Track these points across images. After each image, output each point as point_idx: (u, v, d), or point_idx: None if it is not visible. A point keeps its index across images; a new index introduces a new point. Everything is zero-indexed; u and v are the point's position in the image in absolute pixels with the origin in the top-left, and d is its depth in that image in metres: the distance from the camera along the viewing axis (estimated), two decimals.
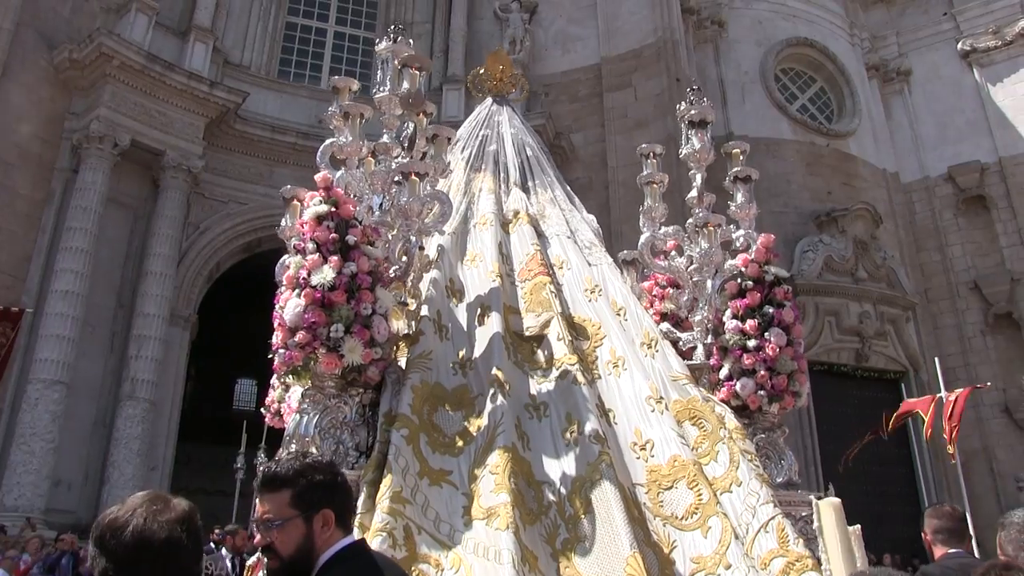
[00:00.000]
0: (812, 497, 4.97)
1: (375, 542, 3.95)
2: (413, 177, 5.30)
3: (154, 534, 2.04)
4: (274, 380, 7.31)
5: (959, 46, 26.19)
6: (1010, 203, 24.11)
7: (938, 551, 4.51)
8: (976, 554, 10.21)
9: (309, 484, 2.45)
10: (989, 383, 13.59)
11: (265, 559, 2.49)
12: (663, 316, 6.48)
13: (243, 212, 19.99)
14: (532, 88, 20.94)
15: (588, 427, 4.99)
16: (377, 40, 5.81)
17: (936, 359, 12.89)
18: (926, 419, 11.53)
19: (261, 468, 2.70)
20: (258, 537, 2.50)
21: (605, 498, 4.56)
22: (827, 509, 3.38)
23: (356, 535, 2.79)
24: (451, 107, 20.78)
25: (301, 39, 22.63)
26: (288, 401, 6.30)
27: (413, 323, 5.59)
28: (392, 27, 5.79)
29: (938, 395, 11.03)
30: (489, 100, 8.02)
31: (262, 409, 7.66)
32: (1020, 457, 21.85)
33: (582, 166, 21.16)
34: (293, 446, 4.85)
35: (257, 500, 2.53)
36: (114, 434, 16.62)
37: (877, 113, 25.89)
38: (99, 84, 18.06)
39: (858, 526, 4.48)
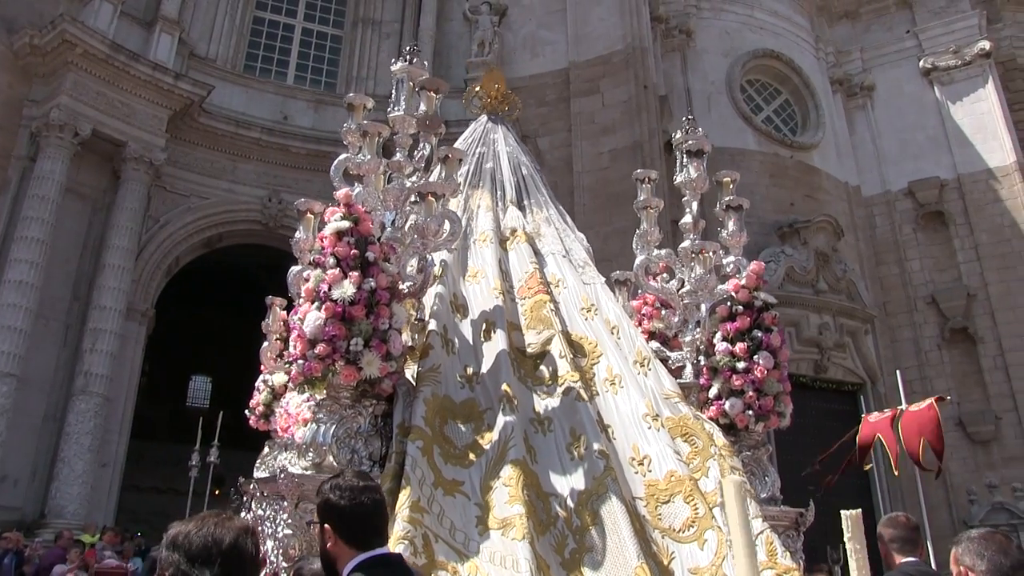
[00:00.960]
0: (723, 478, 5.12)
1: (397, 549, 4.12)
2: (430, 198, 5.48)
3: (223, 537, 2.34)
4: (259, 382, 7.42)
5: (921, 64, 26.62)
6: (968, 219, 24.54)
7: (895, 559, 4.75)
8: (932, 563, 10.28)
9: (324, 500, 2.92)
10: (949, 397, 13.66)
11: None
12: (651, 335, 6.74)
13: (204, 207, 19.79)
14: None
15: (593, 442, 5.25)
16: (393, 60, 5.97)
17: (898, 372, 12.99)
18: (886, 443, 11.40)
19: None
20: None
21: (612, 511, 4.83)
22: (730, 487, 3.40)
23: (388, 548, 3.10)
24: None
25: (268, 34, 22.43)
26: (286, 406, 6.33)
27: (416, 336, 5.77)
28: (408, 48, 5.98)
29: (899, 408, 11.00)
30: (484, 117, 8.19)
31: (246, 411, 7.60)
32: (973, 470, 22.20)
33: (547, 170, 20.98)
34: (311, 454, 5.02)
35: None
36: (65, 429, 16.26)
37: (840, 127, 26.22)
38: (61, 72, 17.74)
39: (858, 510, 4.57)
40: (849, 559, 3.48)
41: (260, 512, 5.19)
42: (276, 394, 7.04)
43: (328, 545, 2.85)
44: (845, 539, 3.70)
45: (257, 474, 6.08)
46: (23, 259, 16.27)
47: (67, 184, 17.37)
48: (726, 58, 24.63)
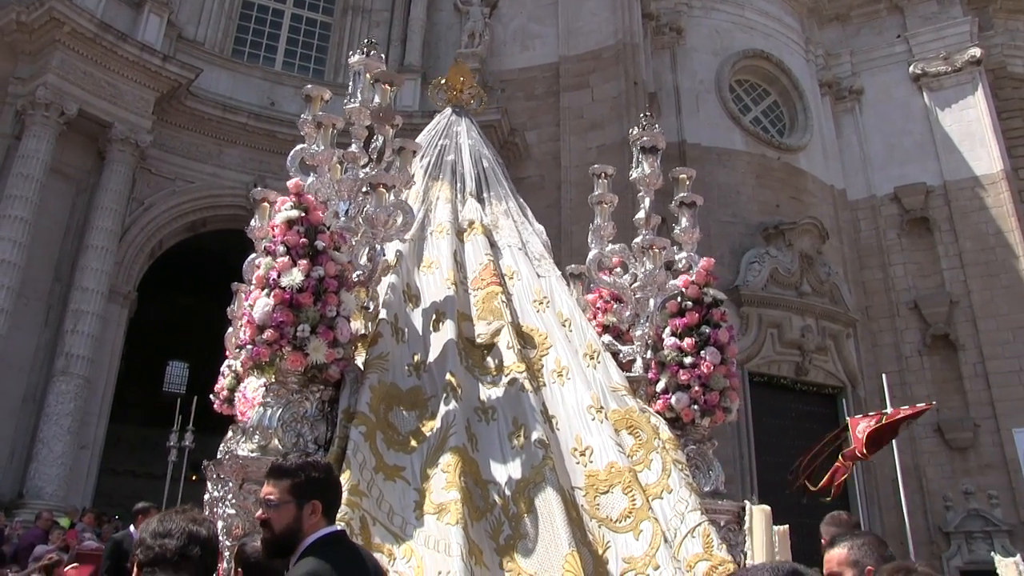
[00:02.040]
0: (746, 501, 5.39)
1: None
2: (381, 189, 5.59)
3: (182, 521, 2.72)
4: (224, 368, 7.48)
5: (910, 69, 26.49)
6: (952, 226, 24.41)
7: None
8: None
9: (307, 478, 3.07)
10: (935, 402, 13.61)
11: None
12: (605, 328, 6.81)
13: (189, 191, 19.75)
14: (488, 83, 20.84)
15: (533, 432, 5.33)
16: (351, 53, 6.08)
17: (884, 375, 12.95)
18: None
19: (274, 460, 3.40)
20: (259, 512, 3.12)
21: (547, 499, 4.90)
22: (759, 515, 3.48)
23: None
24: (406, 96, 20.65)
25: (257, 18, 22.37)
26: (243, 391, 6.47)
27: (370, 324, 5.86)
28: (365, 40, 6.06)
29: (884, 412, 11.08)
30: (448, 110, 8.25)
31: (211, 395, 7.66)
32: (949, 476, 22.18)
33: (535, 164, 21.09)
34: (257, 436, 5.11)
35: (265, 484, 3.15)
36: (44, 410, 16.23)
37: (828, 130, 26.10)
38: (47, 50, 17.66)
39: (786, 526, 4.67)
40: None
41: (216, 494, 5.29)
42: (239, 379, 7.05)
43: (312, 521, 3.02)
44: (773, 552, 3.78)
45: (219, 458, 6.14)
46: (5, 238, 16.24)
47: (52, 164, 17.34)
48: (716, 57, 24.51)
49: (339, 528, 3.18)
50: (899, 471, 12.57)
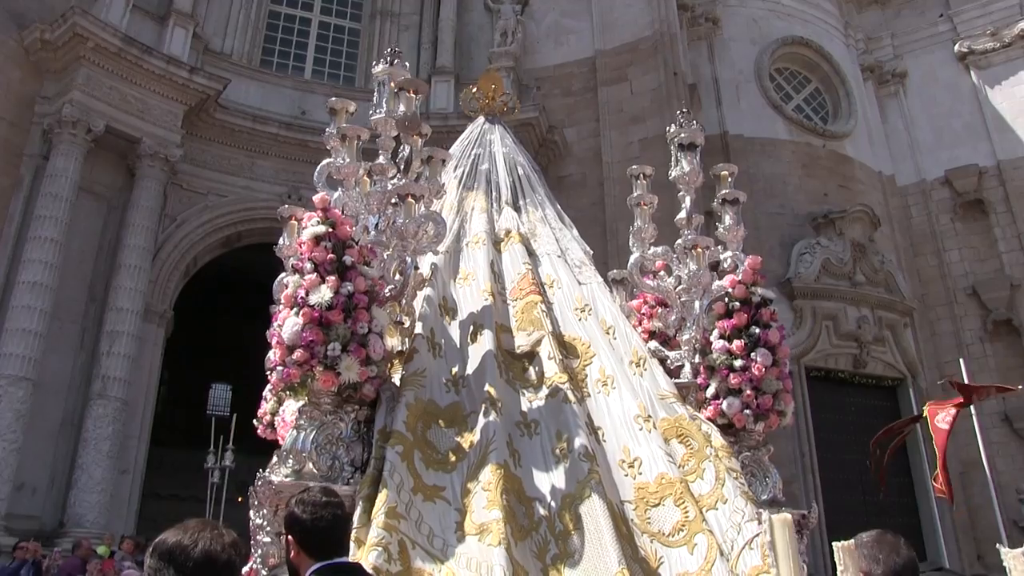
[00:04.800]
0: (763, 511, 5.06)
1: (371, 556, 4.15)
2: (409, 199, 5.48)
3: (218, 555, 2.41)
4: (266, 392, 7.25)
5: (956, 48, 25.80)
6: (1009, 207, 23.67)
7: None
8: None
9: (289, 513, 3.19)
10: (1022, 386, 12.75)
11: None
12: (651, 334, 6.62)
13: (222, 205, 19.41)
14: (524, 82, 20.37)
15: (578, 444, 5.16)
16: (374, 62, 6.00)
17: (961, 360, 12.19)
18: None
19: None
20: None
21: (594, 514, 4.73)
22: (780, 526, 3.15)
23: (352, 555, 3.47)
24: (440, 99, 20.28)
25: (285, 28, 22.17)
26: (282, 414, 6.39)
27: (407, 340, 5.75)
28: (388, 49, 5.94)
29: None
30: (481, 119, 8.14)
31: (254, 420, 7.49)
32: (1021, 468, 21.31)
33: (575, 162, 20.62)
34: (290, 461, 5.01)
35: None
36: (83, 435, 15.76)
37: (872, 115, 25.49)
38: (72, 67, 17.35)
39: (851, 540, 4.20)
40: None
41: (257, 520, 5.14)
42: (281, 402, 6.89)
43: (292, 556, 3.10)
44: (839, 571, 3.41)
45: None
46: (37, 259, 15.86)
47: (81, 182, 16.97)
48: (754, 46, 24.02)
49: (329, 563, 3.06)
50: (987, 465, 11.78)
